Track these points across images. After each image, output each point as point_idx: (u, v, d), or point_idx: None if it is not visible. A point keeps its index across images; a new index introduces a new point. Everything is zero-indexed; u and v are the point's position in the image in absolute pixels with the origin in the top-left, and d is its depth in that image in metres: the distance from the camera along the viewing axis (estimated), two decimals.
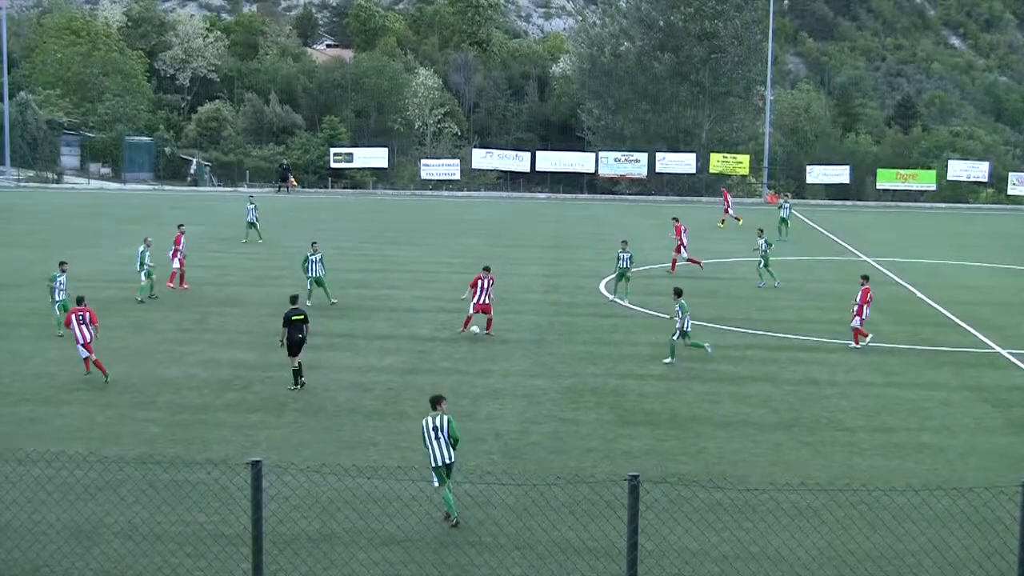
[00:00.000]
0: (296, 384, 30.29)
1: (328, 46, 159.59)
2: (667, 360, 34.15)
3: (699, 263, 52.41)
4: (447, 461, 20.47)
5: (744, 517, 20.95)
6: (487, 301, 37.34)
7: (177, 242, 46.20)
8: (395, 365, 33.40)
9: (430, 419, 20.57)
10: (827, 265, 57.20)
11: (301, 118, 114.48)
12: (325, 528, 20.23)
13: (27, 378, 31.26)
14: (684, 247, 52.56)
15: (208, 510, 20.54)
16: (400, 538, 19.86)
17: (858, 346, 36.88)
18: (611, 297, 45.14)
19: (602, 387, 31.17)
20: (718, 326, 39.91)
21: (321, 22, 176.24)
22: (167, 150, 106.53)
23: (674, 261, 52.55)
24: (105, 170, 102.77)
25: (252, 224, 60.29)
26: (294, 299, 31.36)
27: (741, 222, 71.26)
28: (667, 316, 37.10)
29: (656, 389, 31.09)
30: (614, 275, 45.28)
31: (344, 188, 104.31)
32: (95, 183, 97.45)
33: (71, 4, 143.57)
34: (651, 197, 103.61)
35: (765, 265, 49.07)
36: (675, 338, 34.32)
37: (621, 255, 44.59)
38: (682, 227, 53.04)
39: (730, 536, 19.93)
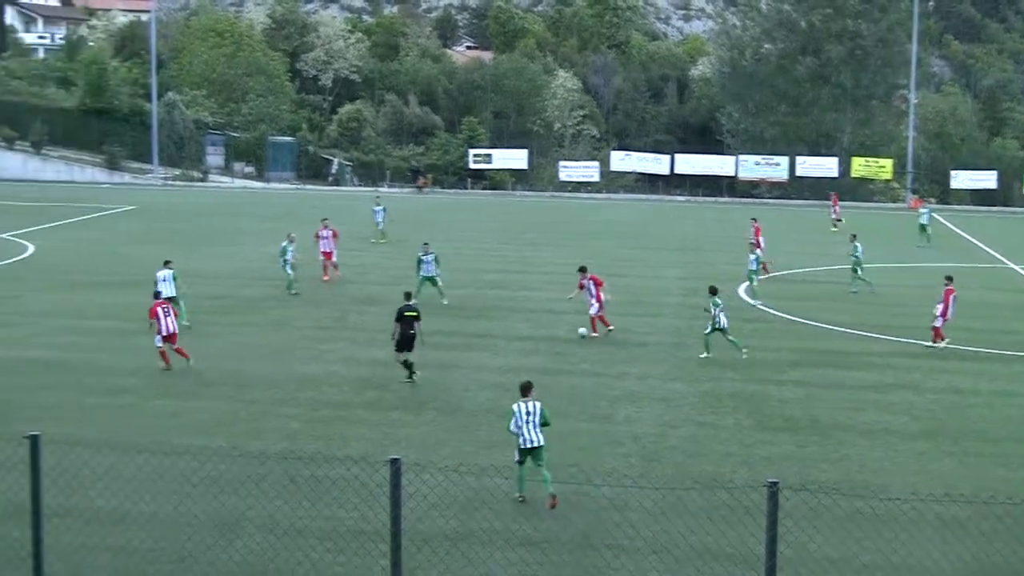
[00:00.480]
0: (410, 377, 30.61)
1: (468, 47, 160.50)
2: (703, 355, 34.55)
3: (769, 264, 52.03)
4: (537, 444, 21.58)
5: (886, 527, 20.61)
6: (601, 303, 37.44)
7: (328, 235, 48.60)
8: (534, 366, 33.44)
9: (522, 404, 21.71)
10: (970, 272, 56.12)
11: (440, 119, 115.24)
12: (462, 527, 20.34)
13: (171, 373, 31.88)
14: (761, 248, 51.81)
15: (348, 506, 20.75)
16: (537, 539, 19.89)
17: (936, 346, 36.39)
18: (750, 301, 44.78)
19: (741, 392, 30.92)
20: (856, 331, 39.35)
21: (461, 24, 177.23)
22: (309, 149, 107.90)
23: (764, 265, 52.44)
24: (249, 169, 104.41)
25: (381, 224, 60.88)
26: (408, 296, 31.78)
27: (836, 228, 70.07)
28: (811, 322, 36.70)
29: (796, 395, 30.75)
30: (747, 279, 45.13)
31: (483, 189, 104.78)
32: (239, 182, 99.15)
33: (217, 7, 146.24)
34: (791, 201, 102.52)
35: (857, 270, 48.30)
36: (708, 333, 34.73)
37: (750, 257, 44.54)
38: (760, 228, 53.09)
39: (871, 545, 19.63)
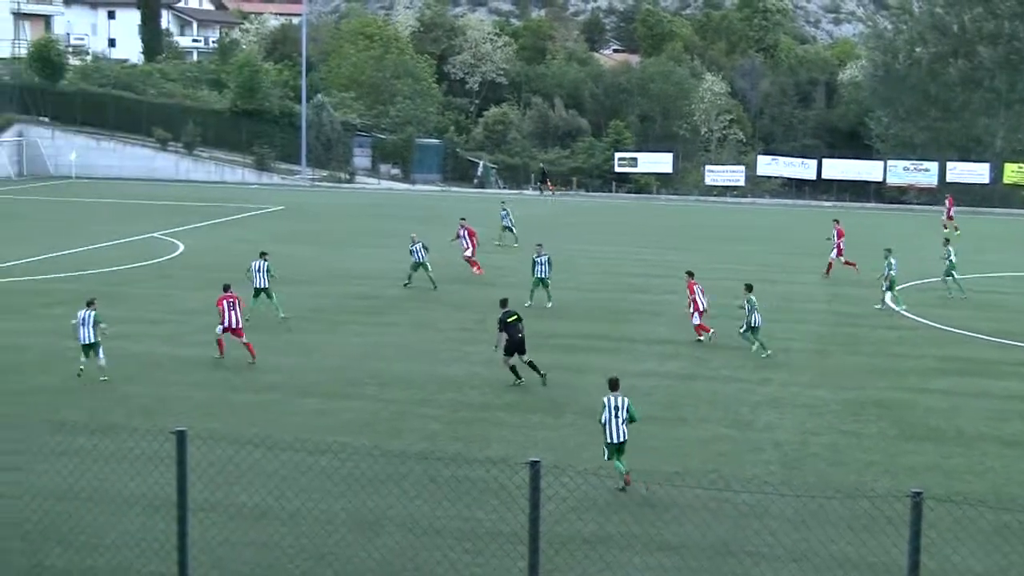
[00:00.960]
0: (519, 380, 30.77)
1: (615, 51, 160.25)
2: (764, 355, 34.85)
3: (855, 266, 51.54)
4: (622, 439, 22.57)
5: None
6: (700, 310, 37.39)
7: (461, 234, 50.64)
8: (675, 371, 33.33)
9: (611, 398, 22.69)
10: None
11: (586, 122, 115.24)
12: (600, 530, 20.34)
13: (315, 371, 32.35)
14: (842, 251, 52.11)
15: (487, 507, 20.87)
16: (675, 544, 19.81)
17: None
18: (894, 308, 44.04)
19: (885, 400, 30.45)
20: (1003, 340, 38.51)
21: (608, 27, 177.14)
22: (456, 151, 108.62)
23: (830, 264, 52.24)
24: (395, 171, 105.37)
25: (508, 228, 60.75)
26: (504, 302, 31.75)
27: (950, 232, 67.95)
28: (955, 330, 36.04)
29: (941, 404, 30.20)
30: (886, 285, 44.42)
31: (628, 193, 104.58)
32: (385, 183, 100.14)
33: (366, 10, 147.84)
34: (940, 207, 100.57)
35: (950, 276, 47.50)
36: (742, 331, 35.27)
37: (890, 261, 43.88)
38: (842, 230, 52.86)
39: (1018, 560, 19.21)
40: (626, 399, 22.89)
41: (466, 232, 50.80)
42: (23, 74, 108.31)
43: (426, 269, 46.12)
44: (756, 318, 35.00)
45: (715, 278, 49.91)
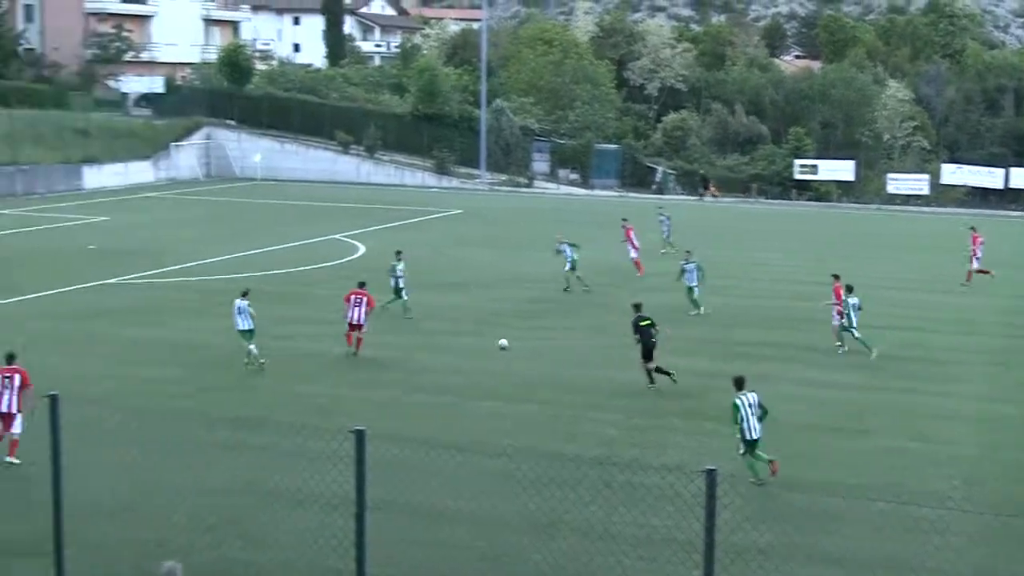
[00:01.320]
0: (653, 382, 31.01)
1: (796, 57, 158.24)
2: (873, 356, 34.86)
3: (990, 273, 50.74)
4: (758, 435, 23.24)
5: None
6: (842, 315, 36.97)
7: (628, 236, 51.33)
8: (854, 382, 32.77)
9: (744, 397, 23.35)
10: None
11: (766, 129, 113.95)
12: (777, 541, 20.09)
13: (490, 375, 32.55)
14: (977, 258, 51.40)
15: (662, 514, 20.76)
16: (850, 557, 19.47)
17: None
18: None
19: None
20: None
21: (789, 33, 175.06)
22: (635, 157, 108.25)
23: (969, 272, 51.17)
24: (573, 176, 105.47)
25: (668, 234, 59.97)
26: (638, 306, 31.95)
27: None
28: None
29: None
30: None
31: (808, 200, 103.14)
32: (563, 188, 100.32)
33: (546, 15, 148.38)
34: None
35: None
36: (850, 333, 35.63)
37: None
38: (979, 238, 52.05)
39: None
40: (755, 395, 23.49)
41: (628, 233, 51.73)
42: (212, 79, 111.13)
43: (573, 269, 46.58)
44: (855, 318, 35.41)
45: (888, 287, 48.93)
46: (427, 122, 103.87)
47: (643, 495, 21.62)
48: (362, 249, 57.66)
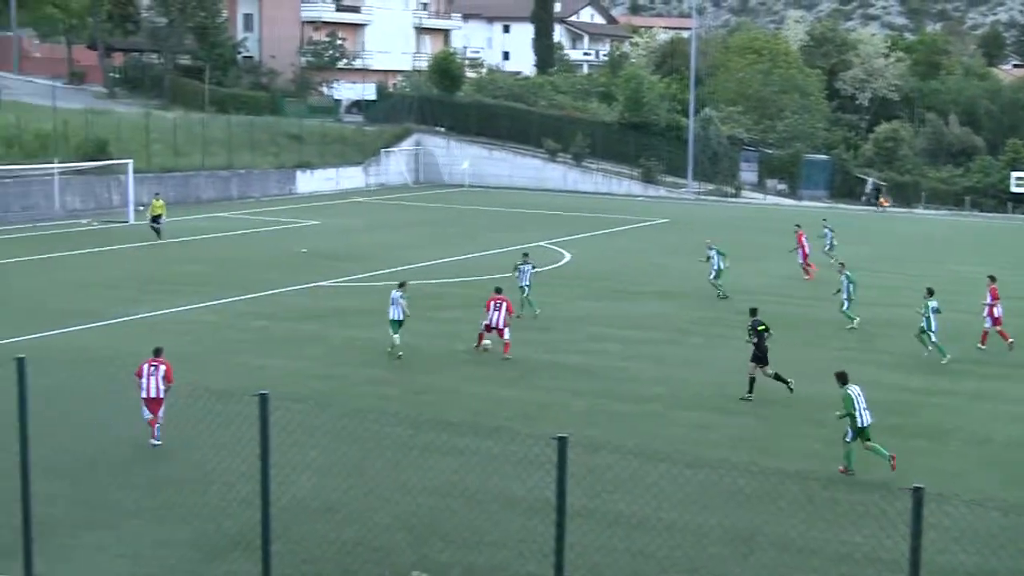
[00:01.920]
0: (749, 394, 30.73)
1: (1015, 66, 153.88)
2: (943, 360, 35.46)
3: None
4: (870, 423, 24.44)
5: None
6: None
7: (800, 241, 53.25)
8: None
9: (853, 388, 24.54)
10: None
11: (981, 140, 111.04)
12: (985, 564, 19.56)
13: (695, 385, 32.40)
14: None
15: (864, 532, 20.41)
16: None
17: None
18: None
19: None
20: None
21: (1008, 41, 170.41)
22: (845, 168, 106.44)
23: None
24: (781, 186, 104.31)
25: (831, 247, 58.58)
26: (754, 311, 31.83)
27: None
28: None
29: None
30: None
31: None
32: (770, 199, 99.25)
33: (756, 24, 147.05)
34: None
35: None
36: (923, 337, 36.12)
37: None
38: None
39: None
40: (860, 387, 24.88)
41: (800, 238, 53.45)
42: (422, 86, 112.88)
43: (718, 276, 47.10)
44: (934, 323, 35.87)
45: None
46: (634, 131, 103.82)
47: (845, 511, 21.28)
48: (568, 256, 57.89)
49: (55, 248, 57.06)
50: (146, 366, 26.11)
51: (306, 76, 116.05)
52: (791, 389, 30.77)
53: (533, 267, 43.22)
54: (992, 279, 38.40)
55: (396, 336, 34.77)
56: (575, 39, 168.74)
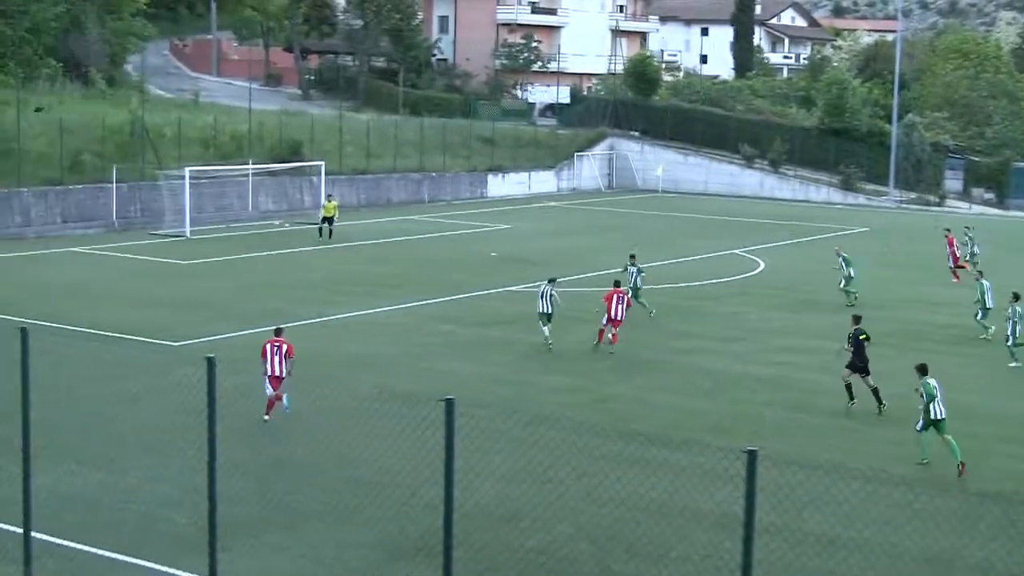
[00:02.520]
0: (852, 401, 30.72)
1: None
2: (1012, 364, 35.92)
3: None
4: (944, 416, 25.53)
5: None
6: None
7: (951, 244, 54.90)
8: None
9: (930, 381, 25.77)
10: None
11: None
12: None
13: (896, 399, 31.66)
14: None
15: None
16: None
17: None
18: None
19: None
20: None
21: None
22: None
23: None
24: (988, 195, 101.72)
25: (972, 255, 56.72)
26: (857, 319, 31.75)
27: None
28: None
29: None
30: None
31: None
32: (976, 208, 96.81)
33: (965, 26, 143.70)
34: None
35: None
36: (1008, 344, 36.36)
37: None
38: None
39: None
40: (936, 380, 26.01)
41: (951, 242, 54.89)
42: (617, 89, 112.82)
43: (848, 283, 47.01)
44: (1019, 329, 36.05)
45: None
46: (834, 136, 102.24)
47: None
48: (762, 265, 57.25)
49: (248, 249, 58.46)
50: (269, 346, 28.25)
51: (500, 79, 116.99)
52: (880, 411, 30.15)
53: (639, 271, 43.13)
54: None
55: (546, 328, 36.77)
56: (775, 42, 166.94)
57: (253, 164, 71.70)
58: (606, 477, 23.42)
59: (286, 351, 28.09)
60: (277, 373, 27.96)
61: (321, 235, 62.03)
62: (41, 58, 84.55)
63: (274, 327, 29.43)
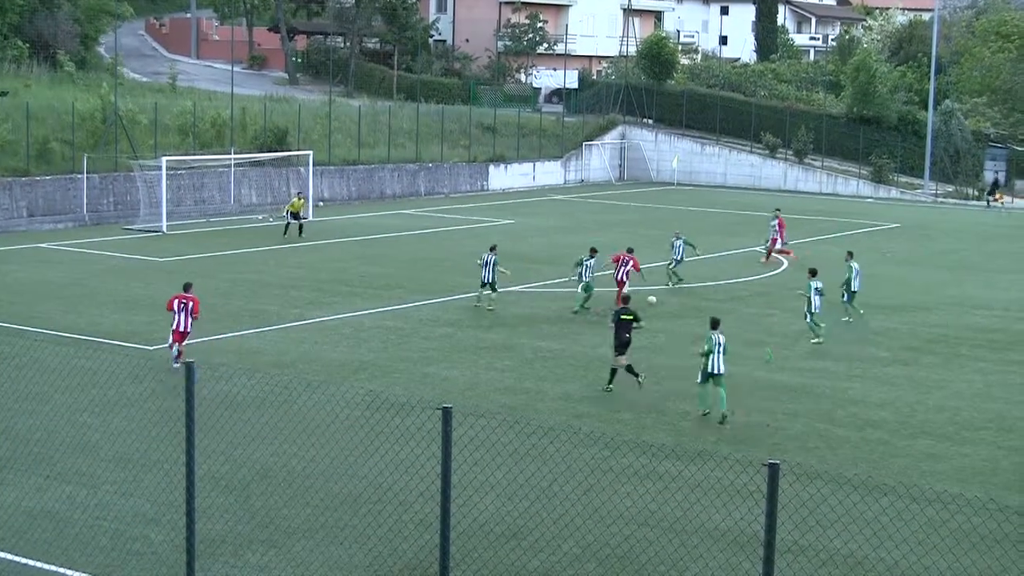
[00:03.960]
0: (611, 384, 32.71)
1: None
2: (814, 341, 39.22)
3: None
4: (721, 371, 29.83)
5: None
6: None
7: (781, 226, 58.79)
8: None
9: (716, 335, 29.85)
10: None
11: None
12: None
13: (929, 410, 31.77)
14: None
15: None
16: None
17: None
18: None
19: None
20: None
21: None
22: None
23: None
24: None
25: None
26: (626, 299, 34.12)
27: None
28: None
29: None
30: None
31: None
32: (1020, 202, 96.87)
33: (1009, 5, 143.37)
34: None
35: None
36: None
37: None
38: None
39: None
40: (723, 336, 29.99)
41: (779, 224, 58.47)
42: (629, 73, 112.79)
43: (677, 265, 50.20)
44: (816, 302, 39.48)
45: None
46: (864, 125, 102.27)
47: None
48: (785, 264, 57.29)
49: (230, 245, 58.54)
50: (176, 301, 33.37)
51: (503, 62, 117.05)
52: (639, 384, 32.56)
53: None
54: None
55: (486, 292, 43.30)
56: (801, 22, 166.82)
57: (235, 154, 71.82)
58: (615, 492, 23.47)
59: (191, 308, 33.20)
60: (181, 328, 33.25)
61: (286, 233, 61.79)
62: (6, 38, 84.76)
63: (184, 283, 34.85)
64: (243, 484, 23.85)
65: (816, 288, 39.95)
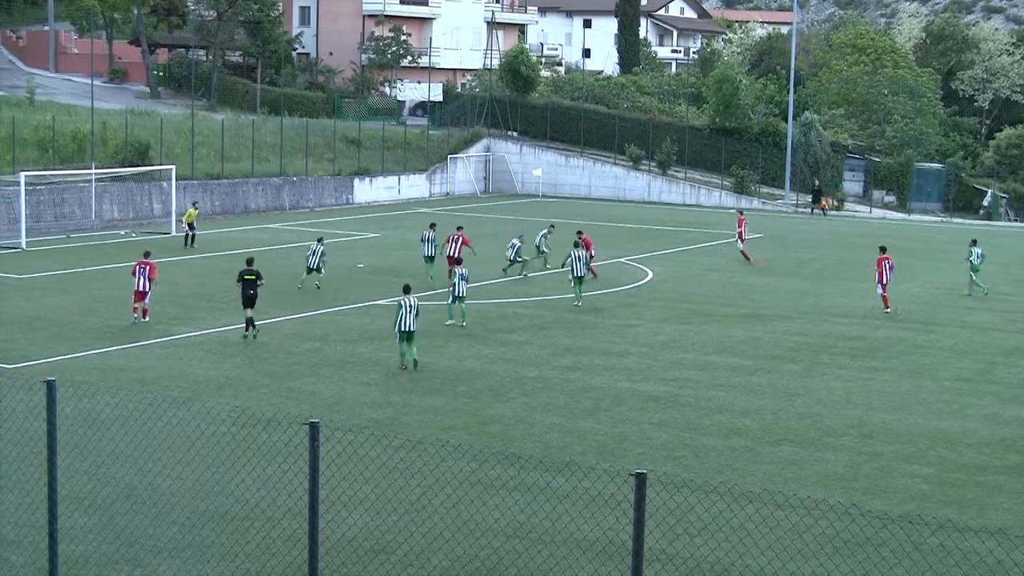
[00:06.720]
0: (248, 331, 40.61)
1: None
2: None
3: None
4: (412, 329, 35.85)
5: None
6: None
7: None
8: None
9: (405, 299, 35.75)
10: None
11: None
12: None
13: (792, 417, 32.18)
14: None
15: None
16: None
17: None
18: None
19: None
20: None
21: None
22: (961, 178, 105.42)
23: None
24: (889, 198, 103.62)
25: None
26: (250, 261, 42.40)
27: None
28: None
29: None
30: None
31: None
32: (876, 212, 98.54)
33: (864, 19, 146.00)
34: None
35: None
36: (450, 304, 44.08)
37: None
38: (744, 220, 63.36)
39: None
40: (415, 299, 36.07)
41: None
42: (493, 86, 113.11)
43: (513, 262, 55.75)
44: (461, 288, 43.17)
45: None
46: (726, 136, 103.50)
47: (958, 560, 21.02)
48: (650, 274, 57.77)
49: (90, 261, 57.70)
50: (137, 267, 42.18)
51: (367, 75, 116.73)
52: (250, 336, 40.31)
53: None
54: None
55: (305, 276, 50.73)
56: (663, 35, 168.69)
57: (96, 168, 70.86)
58: (484, 505, 23.47)
59: (148, 271, 41.91)
60: (141, 289, 41.97)
61: (187, 244, 61.95)
62: None
63: (143, 251, 43.92)
64: (107, 503, 23.50)
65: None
